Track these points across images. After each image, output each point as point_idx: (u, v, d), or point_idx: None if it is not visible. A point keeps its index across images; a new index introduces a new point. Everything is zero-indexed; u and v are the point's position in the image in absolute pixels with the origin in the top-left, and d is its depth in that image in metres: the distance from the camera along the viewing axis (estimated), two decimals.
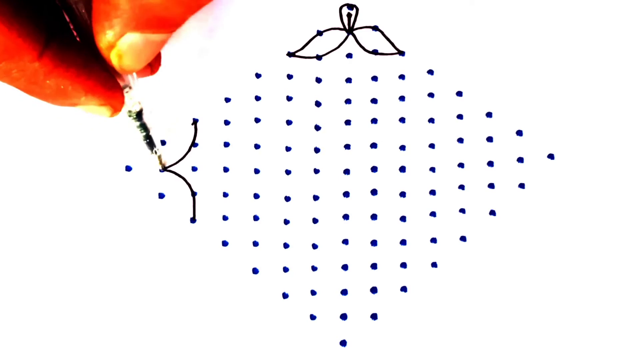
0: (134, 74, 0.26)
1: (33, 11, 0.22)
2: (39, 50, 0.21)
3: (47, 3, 0.23)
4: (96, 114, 0.25)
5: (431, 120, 0.32)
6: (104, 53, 0.22)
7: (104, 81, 0.24)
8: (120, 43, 0.22)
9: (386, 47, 0.33)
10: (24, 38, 0.21)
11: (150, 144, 0.30)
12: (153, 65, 0.26)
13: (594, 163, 0.31)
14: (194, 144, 0.32)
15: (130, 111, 0.28)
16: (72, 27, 0.23)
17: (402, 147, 0.32)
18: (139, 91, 0.27)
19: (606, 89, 0.32)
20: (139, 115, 0.28)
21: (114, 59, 0.23)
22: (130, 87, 0.26)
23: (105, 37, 0.22)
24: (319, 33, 0.33)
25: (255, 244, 0.31)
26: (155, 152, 0.31)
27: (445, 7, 0.33)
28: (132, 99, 0.27)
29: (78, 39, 0.23)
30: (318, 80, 0.32)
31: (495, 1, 0.33)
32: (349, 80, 0.32)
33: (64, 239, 0.31)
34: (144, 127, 0.29)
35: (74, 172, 0.32)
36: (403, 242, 0.31)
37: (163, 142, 0.32)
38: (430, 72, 0.32)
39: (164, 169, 0.31)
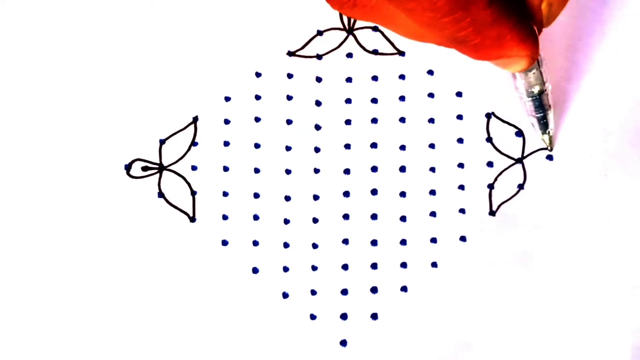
0: (542, 54, 0.27)
1: None
2: None
3: None
4: (509, 67, 0.25)
5: (431, 120, 0.32)
6: (534, 3, 0.23)
7: (532, 31, 0.24)
8: None
9: (386, 47, 0.33)
10: None
11: (545, 125, 0.30)
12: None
13: (593, 163, 0.31)
14: (193, 143, 0.32)
15: (532, 91, 0.28)
16: None
17: (402, 147, 0.32)
18: (545, 70, 0.28)
19: (606, 89, 0.32)
20: (540, 95, 0.28)
21: (544, 7, 0.23)
22: (538, 67, 0.27)
23: None
24: (319, 33, 0.33)
25: (255, 243, 0.31)
26: (549, 133, 0.30)
27: None
28: (537, 79, 0.28)
29: None
30: (318, 79, 0.32)
31: None
32: (349, 80, 0.32)
33: (63, 238, 0.31)
34: (542, 107, 0.29)
35: (73, 172, 0.31)
36: (403, 242, 0.31)
37: (162, 141, 0.32)
38: (430, 72, 0.32)
39: (551, 150, 0.31)
